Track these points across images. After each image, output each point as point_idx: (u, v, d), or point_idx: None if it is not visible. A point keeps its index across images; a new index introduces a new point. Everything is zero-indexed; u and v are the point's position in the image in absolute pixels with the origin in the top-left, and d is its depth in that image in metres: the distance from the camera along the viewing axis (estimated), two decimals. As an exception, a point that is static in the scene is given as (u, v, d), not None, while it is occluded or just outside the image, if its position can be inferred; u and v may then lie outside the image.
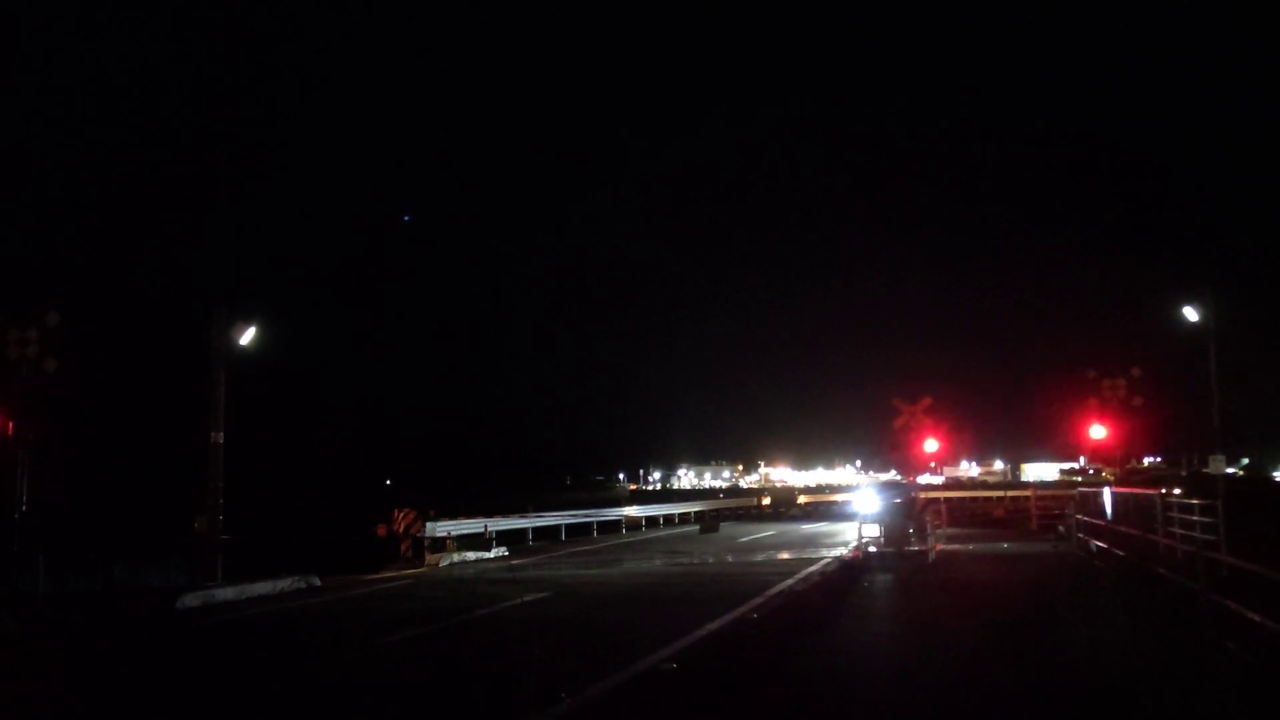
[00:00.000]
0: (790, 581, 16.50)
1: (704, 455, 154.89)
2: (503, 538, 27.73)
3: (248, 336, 18.27)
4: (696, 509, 48.93)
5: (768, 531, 33.95)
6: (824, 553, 22.98)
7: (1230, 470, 36.15)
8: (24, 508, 14.92)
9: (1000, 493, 48.67)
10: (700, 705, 7.72)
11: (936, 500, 34.76)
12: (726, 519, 45.77)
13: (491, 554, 25.04)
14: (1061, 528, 24.72)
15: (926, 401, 25.33)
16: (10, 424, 15.19)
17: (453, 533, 24.88)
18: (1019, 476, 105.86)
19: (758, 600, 14.16)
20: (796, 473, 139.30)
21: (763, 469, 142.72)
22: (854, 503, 50.36)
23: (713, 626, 11.75)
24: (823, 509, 50.25)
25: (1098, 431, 24.70)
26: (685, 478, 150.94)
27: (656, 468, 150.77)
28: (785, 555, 23.32)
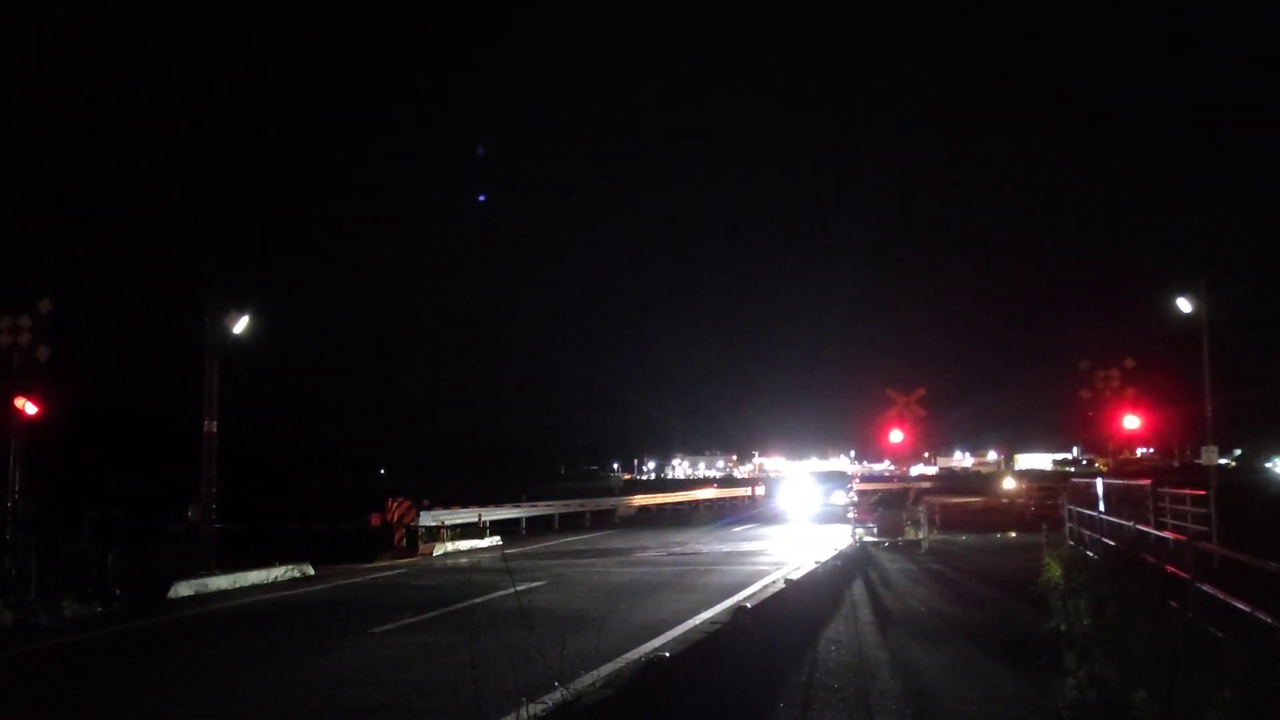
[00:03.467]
0: (783, 571, 16.53)
1: (698, 445, 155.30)
2: (496, 527, 27.73)
3: (241, 325, 18.20)
4: (689, 498, 49.05)
5: (762, 522, 34.02)
6: (818, 543, 23.03)
7: (1222, 461, 36.34)
8: (16, 495, 14.89)
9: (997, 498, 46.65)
10: (694, 693, 7.74)
11: (930, 491, 34.87)
12: (720, 509, 45.87)
13: (485, 543, 25.05)
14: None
15: (920, 392, 25.36)
16: (3, 411, 15.16)
17: (446, 522, 24.89)
18: (1012, 467, 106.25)
19: (751, 589, 14.21)
20: (791, 462, 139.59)
21: (757, 459, 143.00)
22: (776, 499, 46.08)
23: (707, 615, 11.82)
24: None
25: (1091, 423, 24.74)
26: (679, 467, 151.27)
27: (651, 457, 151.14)
28: (779, 545, 23.38)
